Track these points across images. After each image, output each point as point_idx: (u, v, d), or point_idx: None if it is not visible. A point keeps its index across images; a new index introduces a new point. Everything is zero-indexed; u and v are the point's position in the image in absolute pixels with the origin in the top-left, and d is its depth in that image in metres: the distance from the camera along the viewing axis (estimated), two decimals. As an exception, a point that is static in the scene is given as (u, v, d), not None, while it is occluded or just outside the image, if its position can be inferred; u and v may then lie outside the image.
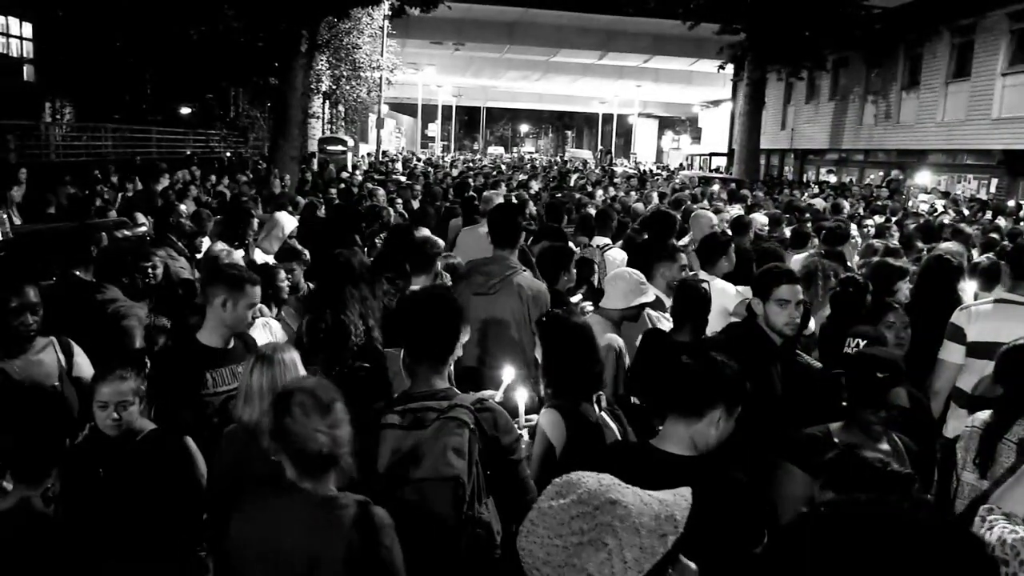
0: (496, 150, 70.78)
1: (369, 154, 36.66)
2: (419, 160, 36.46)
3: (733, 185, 20.60)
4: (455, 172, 25.04)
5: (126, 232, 7.71)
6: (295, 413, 2.37)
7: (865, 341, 3.66)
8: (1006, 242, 8.48)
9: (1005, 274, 4.58)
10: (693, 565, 1.56)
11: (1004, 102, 22.14)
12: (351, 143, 31.05)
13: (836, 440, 3.04)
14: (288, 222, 7.60)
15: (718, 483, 2.49)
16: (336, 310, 4.31)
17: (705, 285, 4.47)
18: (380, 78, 32.55)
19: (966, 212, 15.05)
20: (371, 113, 37.05)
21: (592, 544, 1.43)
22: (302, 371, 3.26)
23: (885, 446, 3.11)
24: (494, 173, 22.94)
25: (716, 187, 19.05)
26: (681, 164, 49.41)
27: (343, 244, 7.34)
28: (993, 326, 4.07)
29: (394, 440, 2.73)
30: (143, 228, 8.58)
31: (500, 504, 2.79)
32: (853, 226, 9.97)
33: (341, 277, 4.48)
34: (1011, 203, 17.98)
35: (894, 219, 11.61)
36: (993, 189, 22.19)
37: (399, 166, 29.27)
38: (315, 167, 22.16)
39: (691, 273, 5.42)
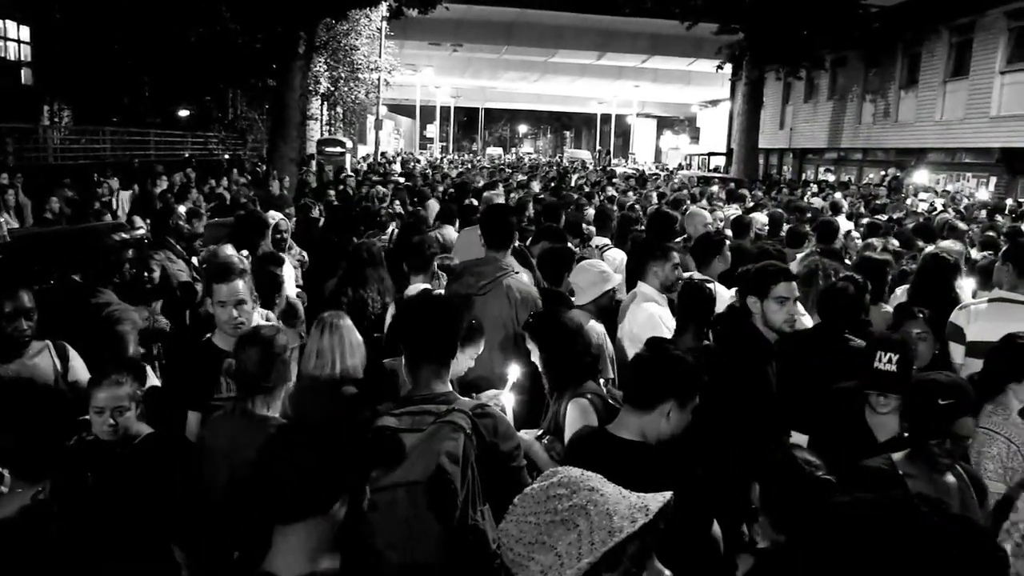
0: (495, 151, 70.78)
1: (368, 155, 36.66)
2: (417, 161, 36.45)
3: (732, 185, 20.57)
4: (453, 173, 25.03)
5: (124, 235, 7.70)
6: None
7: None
8: (1001, 239, 8.49)
9: (1004, 272, 4.57)
10: (668, 572, 1.56)
11: (1002, 100, 22.14)
12: (349, 144, 31.04)
13: (900, 472, 2.88)
14: (276, 219, 7.65)
15: (664, 470, 2.56)
16: (356, 287, 5.45)
17: (711, 286, 4.47)
18: (378, 79, 32.56)
19: (963, 210, 15.05)
20: (369, 114, 37.06)
21: (564, 523, 1.47)
22: (357, 334, 4.01)
23: (951, 479, 2.92)
24: (499, 172, 23.00)
25: (715, 187, 19.02)
26: (680, 164, 49.42)
27: (341, 246, 7.39)
28: (992, 326, 4.06)
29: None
30: (141, 231, 8.57)
31: (502, 512, 2.77)
32: (850, 225, 9.98)
33: (364, 262, 5.62)
34: (1009, 201, 17.97)
35: (895, 217, 11.60)
36: (992, 187, 22.17)
37: (397, 167, 29.27)
38: (314, 169, 22.16)
39: (687, 274, 5.41)
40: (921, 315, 4.09)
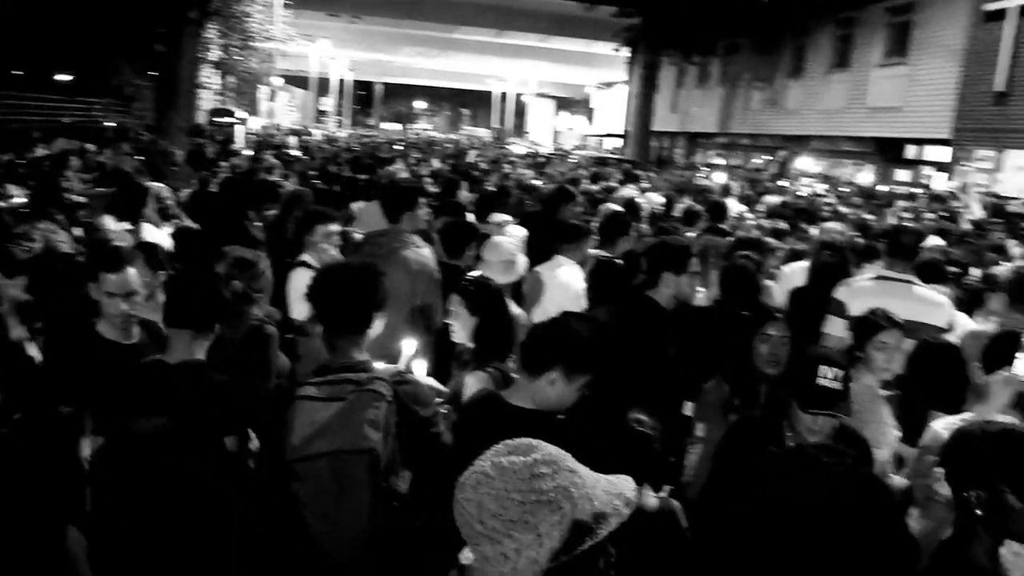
0: (392, 126, 69.81)
1: (263, 127, 35.61)
2: (309, 134, 35.58)
3: (627, 166, 21.00)
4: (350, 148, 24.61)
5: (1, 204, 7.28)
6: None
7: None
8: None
9: (883, 252, 4.88)
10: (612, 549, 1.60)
11: (878, 92, 23.30)
12: (242, 115, 30.06)
13: None
14: (157, 188, 7.41)
15: (550, 435, 2.58)
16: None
17: (619, 262, 4.60)
18: (273, 49, 31.59)
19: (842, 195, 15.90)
20: (263, 85, 35.96)
21: (550, 504, 1.47)
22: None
23: None
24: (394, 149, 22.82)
25: (610, 167, 19.42)
26: (578, 145, 50.02)
27: (236, 219, 7.18)
28: (875, 301, 4.30)
29: (310, 412, 2.70)
30: (17, 200, 8.09)
31: (422, 478, 2.79)
32: (743, 208, 10.39)
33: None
34: (885, 188, 19.04)
35: (782, 200, 12.13)
36: (871, 175, 23.33)
37: (292, 140, 28.53)
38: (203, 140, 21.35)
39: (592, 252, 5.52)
40: (780, 316, 4.22)
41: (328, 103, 61.04)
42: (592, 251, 5.50)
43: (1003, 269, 6.09)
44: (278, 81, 47.41)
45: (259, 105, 41.20)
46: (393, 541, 2.68)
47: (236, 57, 30.08)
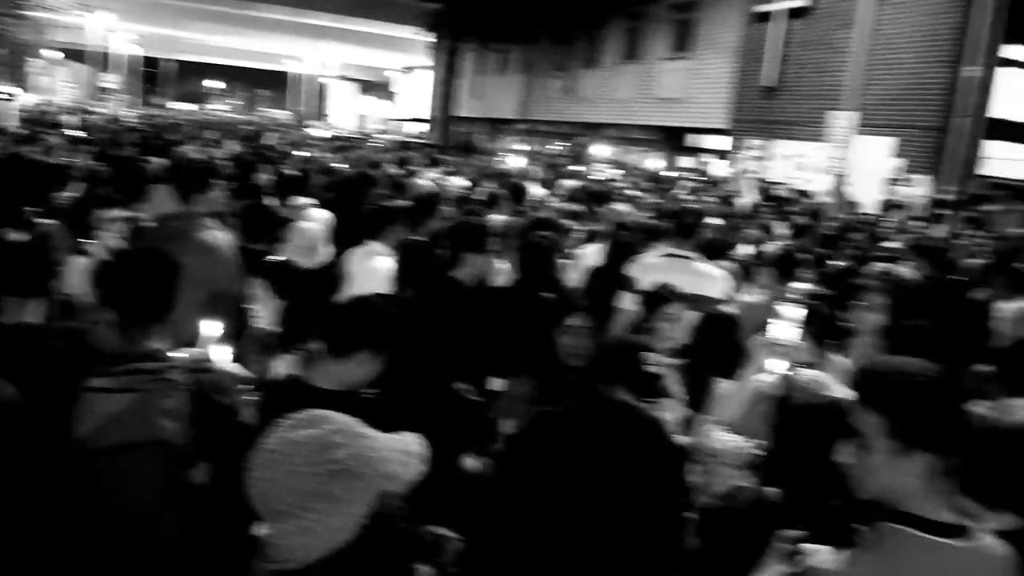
0: (185, 106, 65.98)
1: (36, 104, 32.61)
2: (88, 113, 33.00)
3: (430, 150, 21.16)
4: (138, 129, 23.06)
5: None
6: None
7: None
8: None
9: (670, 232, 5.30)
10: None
11: (664, 84, 24.81)
12: (11, 91, 27.38)
13: None
14: None
15: (360, 414, 2.68)
16: None
17: (424, 243, 4.70)
18: (46, 19, 28.97)
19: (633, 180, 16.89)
20: (35, 59, 32.89)
21: (347, 473, 1.49)
22: None
23: None
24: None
25: (413, 152, 19.51)
26: (381, 129, 49.60)
27: (10, 203, 6.59)
28: (660, 277, 4.65)
29: (100, 404, 2.55)
30: None
31: (223, 467, 2.72)
32: (545, 191, 10.81)
33: None
34: (673, 173, 20.39)
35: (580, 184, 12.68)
36: (659, 161, 24.82)
37: (68, 118, 26.32)
38: None
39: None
40: (582, 305, 4.42)
41: (112, 80, 56.63)
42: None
43: (771, 247, 6.74)
44: (56, 55, 43.60)
45: (31, 80, 37.68)
46: (194, 532, 2.63)
47: (4, 27, 27.34)
